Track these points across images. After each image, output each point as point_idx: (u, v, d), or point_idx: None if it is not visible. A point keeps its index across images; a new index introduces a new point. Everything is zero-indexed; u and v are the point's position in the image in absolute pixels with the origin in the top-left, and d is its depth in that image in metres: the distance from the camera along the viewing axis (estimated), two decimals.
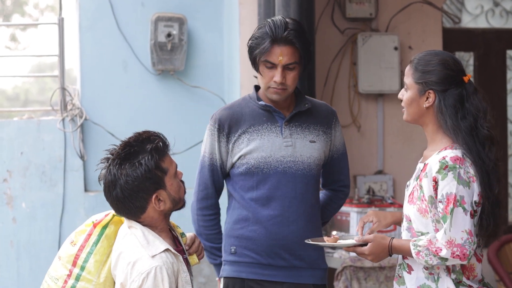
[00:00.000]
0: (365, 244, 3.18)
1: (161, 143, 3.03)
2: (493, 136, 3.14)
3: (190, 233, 3.31)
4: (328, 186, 3.86)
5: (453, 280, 3.11)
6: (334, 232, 3.34)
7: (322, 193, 3.85)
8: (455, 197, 3.01)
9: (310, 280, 3.64)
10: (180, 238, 3.21)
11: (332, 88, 6.14)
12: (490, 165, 3.08)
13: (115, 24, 6.10)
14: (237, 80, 5.86)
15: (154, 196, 3.00)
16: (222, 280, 3.67)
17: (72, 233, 3.11)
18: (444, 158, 3.05)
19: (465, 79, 3.16)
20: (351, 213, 5.54)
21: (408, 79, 3.20)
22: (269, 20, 3.56)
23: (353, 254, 5.40)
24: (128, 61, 6.13)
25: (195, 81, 6.19)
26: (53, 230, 5.98)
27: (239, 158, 3.60)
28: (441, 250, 3.01)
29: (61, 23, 6.05)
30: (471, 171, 3.06)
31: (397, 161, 6.21)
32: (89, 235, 3.06)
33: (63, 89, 6.04)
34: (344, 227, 5.60)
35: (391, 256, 3.19)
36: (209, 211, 3.72)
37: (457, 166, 3.03)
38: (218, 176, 3.69)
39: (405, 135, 6.24)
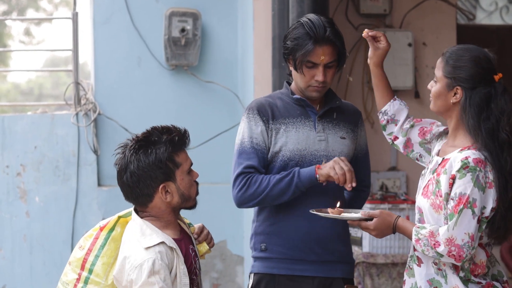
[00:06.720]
0: (371, 219, 3.20)
1: (177, 137, 3.07)
2: (511, 141, 3.07)
3: (198, 224, 3.34)
4: None
5: (461, 278, 3.09)
6: (338, 204, 3.38)
7: (344, 193, 3.82)
8: (467, 198, 2.98)
9: (340, 274, 3.65)
10: (188, 229, 3.23)
11: (346, 84, 6.13)
12: (507, 168, 3.02)
13: (129, 19, 6.11)
14: (251, 75, 5.86)
15: (161, 186, 3.04)
16: (252, 275, 3.66)
17: (81, 239, 3.17)
18: (466, 158, 3.01)
19: (496, 78, 3.09)
20: (364, 209, 5.52)
21: (438, 72, 3.16)
22: (305, 19, 3.56)
23: (365, 249, 5.40)
24: (142, 56, 6.14)
25: (208, 76, 6.20)
26: (66, 225, 6.00)
27: (275, 151, 3.57)
28: (439, 245, 3.01)
29: (75, 18, 6.07)
30: (490, 176, 3.02)
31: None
32: (96, 238, 3.14)
33: (77, 83, 6.06)
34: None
35: (394, 233, 3.21)
36: (249, 173, 3.54)
37: (478, 168, 3.00)
38: (263, 156, 3.56)
39: None
